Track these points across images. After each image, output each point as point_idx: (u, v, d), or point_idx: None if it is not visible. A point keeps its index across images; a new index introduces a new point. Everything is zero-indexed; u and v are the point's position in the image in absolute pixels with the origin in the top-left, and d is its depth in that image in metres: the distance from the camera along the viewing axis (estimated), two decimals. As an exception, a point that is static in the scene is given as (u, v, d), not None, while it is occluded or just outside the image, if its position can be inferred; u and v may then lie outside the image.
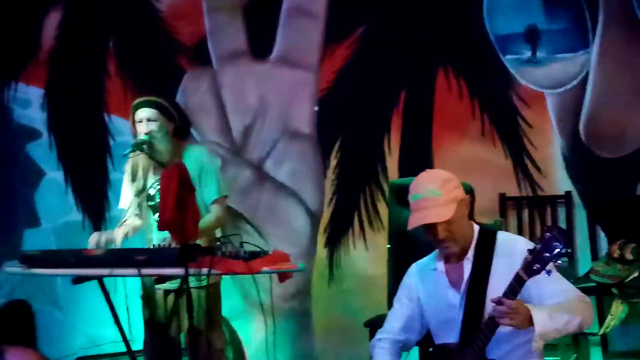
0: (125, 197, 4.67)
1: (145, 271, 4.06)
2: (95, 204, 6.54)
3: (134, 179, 4.60)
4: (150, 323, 4.63)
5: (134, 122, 4.57)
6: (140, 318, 4.64)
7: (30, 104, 6.74)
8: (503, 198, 5.79)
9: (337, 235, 6.15)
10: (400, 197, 4.44)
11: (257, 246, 4.11)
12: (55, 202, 6.65)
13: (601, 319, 4.87)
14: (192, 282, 4.16)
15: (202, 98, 6.40)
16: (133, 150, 4.49)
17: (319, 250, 6.16)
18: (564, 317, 3.17)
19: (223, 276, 4.31)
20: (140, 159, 4.55)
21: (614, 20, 5.65)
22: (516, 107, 5.81)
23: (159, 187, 4.40)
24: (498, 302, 3.15)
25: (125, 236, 4.54)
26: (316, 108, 6.21)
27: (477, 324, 3.29)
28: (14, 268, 4.35)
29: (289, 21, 6.28)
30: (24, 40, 6.73)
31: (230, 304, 5.56)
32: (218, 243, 4.11)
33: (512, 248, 3.35)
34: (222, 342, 4.64)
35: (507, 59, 5.82)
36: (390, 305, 3.78)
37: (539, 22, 5.75)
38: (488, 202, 5.67)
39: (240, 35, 6.37)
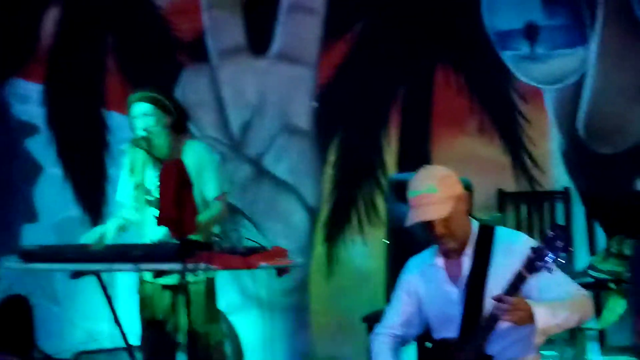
0: (124, 190, 4.66)
1: (143, 266, 4.07)
2: (94, 199, 6.53)
3: (132, 172, 4.59)
4: (148, 319, 4.63)
5: (131, 118, 4.57)
6: (137, 313, 4.65)
7: (29, 100, 6.72)
8: (501, 194, 5.79)
9: (335, 231, 6.15)
10: (398, 192, 4.43)
11: (257, 242, 4.12)
12: (53, 197, 6.63)
13: (599, 314, 4.89)
14: (189, 277, 4.16)
15: (201, 94, 6.39)
16: (131, 148, 4.50)
17: (318, 245, 6.16)
18: (564, 312, 3.19)
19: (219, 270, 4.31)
20: (139, 153, 4.55)
21: (612, 16, 5.66)
22: (514, 103, 5.82)
23: (157, 182, 4.40)
24: (499, 299, 3.16)
25: (122, 229, 4.53)
26: (315, 104, 6.21)
27: (476, 320, 3.29)
28: (12, 263, 4.35)
29: (288, 17, 6.28)
30: (23, 36, 6.72)
31: (228, 298, 5.57)
32: (216, 238, 4.11)
33: (511, 244, 3.35)
34: (220, 336, 4.64)
35: (506, 55, 5.83)
36: (388, 300, 3.78)
37: (537, 18, 5.75)
38: (486, 197, 5.68)
39: (239, 31, 6.37)
